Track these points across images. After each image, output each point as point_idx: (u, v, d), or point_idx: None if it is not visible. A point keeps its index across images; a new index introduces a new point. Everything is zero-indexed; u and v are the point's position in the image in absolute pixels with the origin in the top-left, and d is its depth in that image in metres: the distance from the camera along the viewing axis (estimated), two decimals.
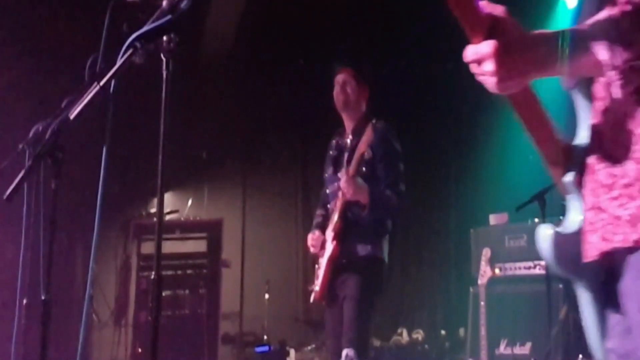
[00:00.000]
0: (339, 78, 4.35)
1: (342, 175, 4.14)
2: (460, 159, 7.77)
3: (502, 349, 5.45)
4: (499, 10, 1.44)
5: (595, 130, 1.54)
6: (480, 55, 1.43)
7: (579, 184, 1.58)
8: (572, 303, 5.05)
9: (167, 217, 7.08)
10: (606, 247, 1.50)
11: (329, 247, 4.19)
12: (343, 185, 4.06)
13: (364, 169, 4.11)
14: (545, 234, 1.66)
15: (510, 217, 5.81)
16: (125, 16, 2.32)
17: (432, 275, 7.82)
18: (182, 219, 7.32)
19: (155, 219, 2.16)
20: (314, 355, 6.71)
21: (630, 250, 1.45)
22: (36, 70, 6.11)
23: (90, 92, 2.33)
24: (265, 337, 7.46)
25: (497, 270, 5.32)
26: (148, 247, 6.60)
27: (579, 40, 1.40)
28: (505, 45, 1.41)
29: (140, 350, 6.30)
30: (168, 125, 2.11)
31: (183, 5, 2.10)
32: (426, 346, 6.95)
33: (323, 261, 4.23)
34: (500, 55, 1.40)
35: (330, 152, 4.49)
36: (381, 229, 4.22)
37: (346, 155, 4.33)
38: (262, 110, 7.98)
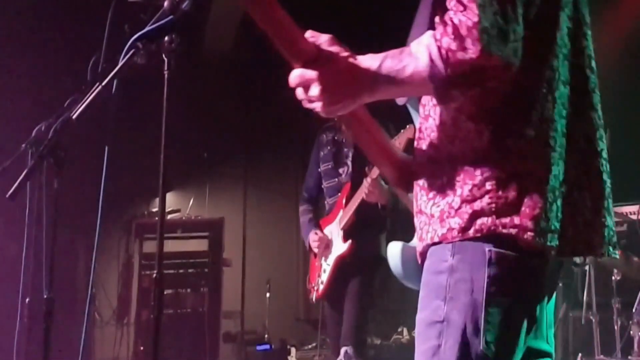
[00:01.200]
0: None
1: (368, 174, 4.02)
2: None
3: None
4: (324, 38, 1.47)
5: (422, 147, 1.58)
6: (306, 79, 1.44)
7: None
8: (572, 302, 5.06)
9: (169, 216, 7.09)
10: (420, 247, 1.57)
11: (341, 246, 4.18)
12: (369, 189, 4.01)
13: (348, 167, 4.20)
14: (393, 250, 1.71)
15: None
16: (127, 16, 2.33)
17: None
18: (184, 218, 7.32)
19: (157, 218, 2.17)
20: (315, 354, 6.70)
21: (438, 244, 1.51)
22: (38, 70, 6.11)
23: (93, 92, 2.34)
24: (266, 335, 7.46)
25: None
26: (150, 246, 6.61)
27: (405, 64, 1.41)
28: (331, 70, 1.43)
29: (142, 348, 6.30)
30: (169, 125, 2.12)
31: (184, 5, 2.11)
32: None
33: (330, 260, 4.23)
34: (325, 80, 1.42)
35: (328, 148, 4.40)
36: (383, 226, 4.25)
37: (347, 151, 4.30)
38: (264, 110, 7.99)
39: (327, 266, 4.28)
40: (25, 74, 6.07)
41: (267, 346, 7.24)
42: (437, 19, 1.45)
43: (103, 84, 2.29)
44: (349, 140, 4.27)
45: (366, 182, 4.03)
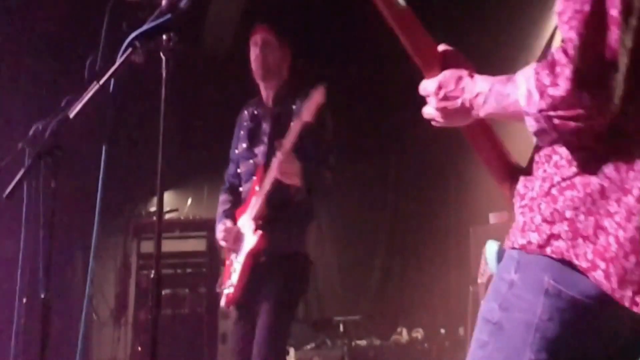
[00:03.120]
0: (257, 38, 3.70)
1: (280, 148, 3.46)
2: (460, 157, 7.76)
3: None
4: (450, 50, 1.62)
5: (530, 159, 1.65)
6: (427, 92, 1.61)
7: None
8: None
9: (167, 216, 7.08)
10: (507, 244, 1.62)
11: (251, 239, 3.54)
12: (279, 164, 3.42)
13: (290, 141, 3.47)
14: (491, 249, 1.74)
15: (510, 216, 5.80)
16: (124, 15, 2.32)
17: (432, 274, 7.81)
18: (182, 217, 7.31)
19: (154, 218, 2.16)
20: (314, 354, 6.70)
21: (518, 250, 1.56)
22: (36, 69, 6.10)
23: (90, 91, 2.33)
24: None
25: None
26: (148, 246, 6.60)
27: (511, 86, 1.50)
28: (449, 85, 1.58)
29: (140, 348, 6.29)
30: (167, 124, 2.11)
31: (182, 4, 2.10)
32: (426, 345, 6.94)
33: (240, 257, 3.58)
34: (442, 94, 1.58)
35: (245, 124, 3.87)
36: (307, 217, 3.66)
37: (265, 126, 3.73)
38: None
39: (237, 264, 3.60)
40: (23, 73, 6.06)
41: None
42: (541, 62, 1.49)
43: (101, 83, 2.28)
44: (268, 112, 3.75)
45: (277, 158, 3.45)
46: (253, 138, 3.78)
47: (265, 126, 3.73)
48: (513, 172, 1.71)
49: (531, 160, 1.63)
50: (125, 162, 6.41)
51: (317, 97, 3.38)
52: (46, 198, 2.70)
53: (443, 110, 1.61)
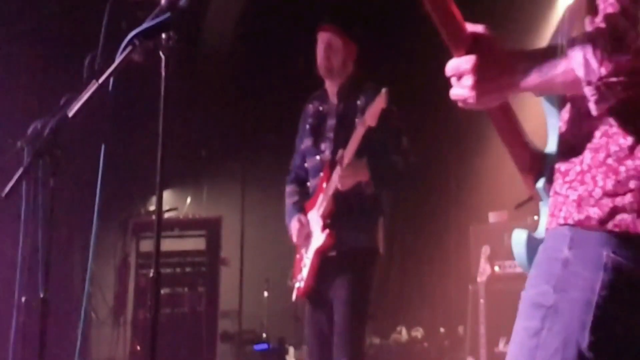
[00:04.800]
0: (323, 37, 3.78)
1: (339, 161, 3.52)
2: (460, 156, 7.77)
3: (502, 347, 5.44)
4: (480, 28, 1.53)
5: (563, 137, 1.62)
6: (460, 70, 1.51)
7: (549, 189, 1.63)
8: None
9: (166, 215, 7.08)
10: (550, 224, 1.58)
11: (319, 237, 3.63)
12: (340, 179, 3.50)
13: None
14: (519, 237, 1.71)
15: (509, 215, 5.80)
16: (124, 14, 2.32)
17: (432, 273, 7.82)
18: (181, 216, 7.31)
19: (154, 217, 2.16)
20: None
21: (572, 226, 1.51)
22: (35, 67, 6.10)
23: (89, 89, 2.33)
24: (264, 335, 7.45)
25: (496, 268, 5.31)
26: (147, 245, 6.60)
27: (557, 57, 1.46)
28: (485, 62, 1.50)
29: (139, 348, 6.29)
30: (167, 123, 2.10)
31: (182, 2, 2.10)
32: (425, 344, 6.94)
33: (310, 253, 3.69)
34: (479, 71, 1.49)
35: (309, 120, 3.89)
36: (376, 211, 3.71)
37: (330, 122, 3.78)
38: (262, 107, 7.98)
39: (307, 260, 3.70)
40: (22, 71, 6.05)
41: (265, 346, 7.24)
42: (588, 20, 1.47)
43: (100, 81, 2.27)
44: (333, 108, 3.80)
45: (337, 172, 3.53)
46: (318, 134, 3.81)
47: (331, 122, 3.77)
48: (537, 161, 1.69)
49: (567, 139, 1.59)
50: (124, 161, 6.41)
51: (380, 101, 3.40)
52: (45, 197, 2.69)
53: (479, 88, 1.50)
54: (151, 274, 2.03)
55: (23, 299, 3.02)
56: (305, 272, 3.69)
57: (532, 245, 1.68)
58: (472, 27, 1.53)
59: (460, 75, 1.52)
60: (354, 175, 3.53)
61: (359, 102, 3.67)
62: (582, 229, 1.49)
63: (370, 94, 3.54)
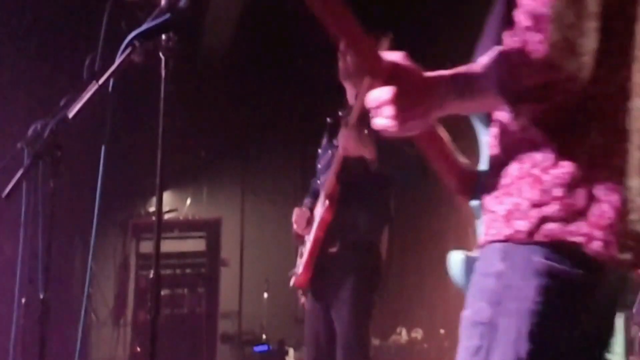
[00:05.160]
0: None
1: (344, 118, 3.37)
2: (465, 158, 7.76)
3: None
4: (398, 56, 1.54)
5: (493, 153, 1.61)
6: (380, 101, 1.51)
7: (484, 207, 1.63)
8: None
9: (166, 216, 7.08)
10: (484, 240, 1.57)
11: (320, 211, 3.46)
12: (342, 139, 3.33)
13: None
14: (456, 259, 1.73)
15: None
16: (123, 15, 2.32)
17: (432, 274, 7.81)
18: (181, 217, 7.31)
19: (154, 218, 2.16)
20: None
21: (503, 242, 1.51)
22: (35, 68, 6.10)
23: (89, 91, 2.33)
24: (264, 336, 7.45)
25: None
26: (147, 246, 6.60)
27: (475, 79, 1.48)
28: (403, 91, 1.50)
29: (139, 349, 6.29)
30: (167, 124, 2.10)
31: (182, 3, 2.10)
32: (425, 345, 6.94)
33: (308, 240, 3.53)
34: (398, 101, 1.49)
35: (326, 131, 3.76)
36: (383, 207, 3.56)
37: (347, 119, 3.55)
38: (262, 109, 7.98)
39: (305, 249, 3.54)
40: (22, 72, 6.05)
41: (265, 347, 7.23)
42: (506, 33, 1.47)
43: (100, 82, 2.27)
44: (349, 109, 3.59)
45: (341, 133, 3.34)
46: (333, 133, 3.64)
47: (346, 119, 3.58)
48: (470, 179, 1.69)
49: (496, 154, 1.59)
50: (124, 162, 6.41)
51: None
52: (45, 198, 2.69)
53: (400, 117, 1.50)
54: (151, 275, 2.03)
55: (23, 300, 3.02)
56: (302, 261, 3.55)
57: (471, 265, 1.67)
58: (389, 56, 1.53)
59: (381, 106, 1.51)
60: (359, 139, 3.30)
61: None
62: (513, 243, 1.48)
63: None
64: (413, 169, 3.41)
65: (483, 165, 1.69)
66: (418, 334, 7.05)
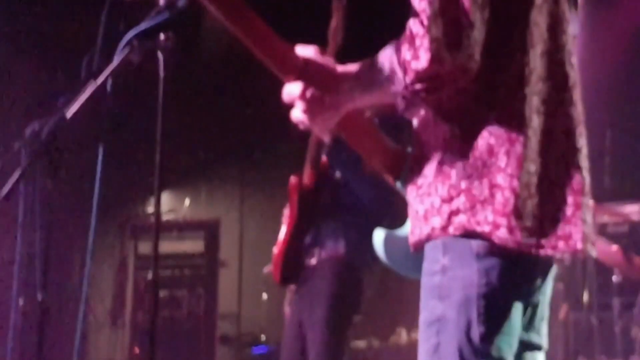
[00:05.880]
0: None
1: None
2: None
3: None
4: (309, 51, 1.61)
5: (415, 148, 1.66)
6: (292, 96, 1.59)
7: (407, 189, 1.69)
8: (572, 303, 5.04)
9: (165, 217, 7.06)
10: (412, 239, 1.63)
11: (305, 178, 3.35)
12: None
13: None
14: (378, 237, 1.81)
15: None
16: (122, 14, 2.30)
17: None
18: (180, 218, 7.29)
19: (152, 219, 2.15)
20: None
21: (422, 243, 1.59)
22: (32, 68, 6.08)
23: (87, 90, 2.31)
24: (263, 337, 7.44)
25: None
26: (145, 247, 6.59)
27: (377, 73, 1.51)
28: (311, 86, 1.56)
29: (137, 350, 6.28)
30: (165, 124, 2.09)
31: (180, 3, 2.09)
32: None
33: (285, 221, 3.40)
34: (307, 96, 1.56)
35: None
36: (365, 223, 3.11)
37: None
38: (261, 109, 7.96)
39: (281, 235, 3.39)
40: (19, 72, 6.04)
41: (264, 348, 7.22)
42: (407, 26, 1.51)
43: (98, 82, 2.26)
44: None
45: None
46: None
47: None
48: (397, 160, 1.72)
49: (418, 150, 1.63)
50: (122, 162, 6.40)
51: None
52: (43, 199, 2.68)
53: (310, 111, 1.58)
54: (150, 276, 2.02)
55: (21, 302, 3.00)
56: (281, 237, 3.40)
57: (390, 242, 1.79)
58: (302, 51, 1.60)
59: (293, 101, 1.59)
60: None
61: None
62: (430, 240, 1.55)
63: None
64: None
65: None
66: (418, 334, 7.04)
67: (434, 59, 1.42)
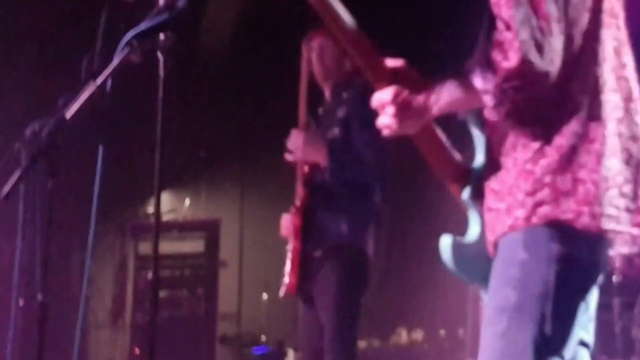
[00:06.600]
0: (314, 44, 3.58)
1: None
2: (460, 155, 7.76)
3: None
4: (399, 62, 1.83)
5: (489, 149, 1.86)
6: (383, 102, 1.77)
7: (475, 199, 1.89)
8: None
9: (165, 217, 7.06)
10: (492, 238, 1.79)
11: (298, 199, 3.46)
12: (290, 143, 3.38)
13: (336, 130, 3.37)
14: (445, 243, 1.90)
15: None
16: (121, 14, 2.31)
17: (432, 275, 7.80)
18: (180, 219, 7.29)
19: (152, 219, 2.15)
20: None
21: (507, 233, 1.74)
22: (32, 69, 6.08)
23: (87, 91, 2.31)
24: (263, 337, 7.43)
25: None
26: (145, 247, 6.58)
27: (459, 78, 1.72)
28: (403, 92, 1.75)
29: (137, 351, 6.27)
30: (165, 124, 2.09)
31: (180, 3, 2.09)
32: (425, 346, 6.93)
33: (289, 244, 3.51)
34: (398, 101, 1.75)
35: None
36: (363, 206, 3.44)
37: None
38: (261, 109, 7.96)
39: (289, 253, 3.51)
40: (19, 73, 6.04)
41: (265, 348, 7.22)
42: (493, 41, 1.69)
43: (98, 82, 2.26)
44: (326, 108, 3.65)
45: (291, 135, 3.39)
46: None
47: (323, 122, 3.61)
48: (462, 173, 1.93)
49: (493, 159, 1.81)
50: (122, 162, 6.40)
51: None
52: (43, 199, 2.68)
53: (399, 116, 1.75)
54: (150, 277, 2.02)
55: (21, 302, 3.00)
56: (288, 266, 3.48)
57: (458, 248, 1.88)
58: (391, 63, 1.82)
59: (383, 106, 1.77)
60: (308, 142, 3.35)
61: (344, 94, 3.50)
62: (514, 232, 1.70)
63: (358, 86, 3.39)
64: (371, 174, 3.42)
65: (477, 163, 1.92)
66: (418, 334, 7.04)
67: (523, 59, 1.59)
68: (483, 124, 1.90)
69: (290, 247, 3.50)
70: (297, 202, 3.48)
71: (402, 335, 7.04)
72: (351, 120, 3.39)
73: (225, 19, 7.31)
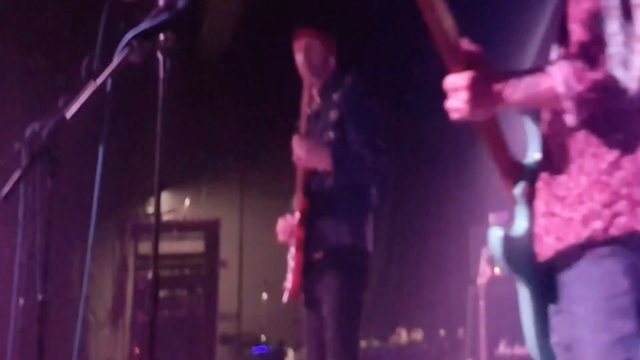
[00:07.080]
0: (300, 45, 3.64)
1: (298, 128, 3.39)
2: (460, 156, 7.76)
3: (502, 349, 5.43)
4: (475, 48, 1.82)
5: (547, 150, 1.88)
6: (457, 86, 1.76)
7: (526, 195, 1.91)
8: None
9: (165, 217, 7.06)
10: (561, 245, 1.79)
11: (297, 205, 3.49)
12: (294, 149, 3.41)
13: (330, 134, 3.39)
14: (495, 234, 1.93)
15: (510, 216, 5.79)
16: (122, 14, 2.30)
17: (431, 275, 7.81)
18: (180, 218, 7.29)
19: (152, 219, 2.15)
20: None
21: (582, 246, 1.75)
22: (32, 69, 6.08)
23: (87, 91, 2.31)
24: (263, 337, 7.44)
25: (496, 270, 5.30)
26: (145, 247, 6.57)
27: (540, 77, 1.72)
28: (478, 79, 1.74)
29: (137, 350, 6.27)
30: (165, 124, 2.09)
31: (180, 3, 2.09)
32: (425, 346, 6.94)
33: (292, 250, 3.53)
34: (473, 87, 1.73)
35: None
36: (360, 204, 3.51)
37: (314, 123, 3.58)
38: (261, 109, 7.97)
39: (290, 259, 3.54)
40: (19, 72, 6.03)
41: (264, 348, 7.22)
42: (556, 47, 1.78)
43: (98, 82, 2.26)
44: (315, 109, 3.66)
45: (294, 141, 3.42)
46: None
47: (314, 124, 3.61)
48: (515, 168, 1.94)
49: (557, 165, 1.82)
50: (122, 162, 6.40)
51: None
52: (43, 199, 2.68)
53: (472, 102, 1.73)
54: (150, 276, 2.02)
55: (21, 301, 3.00)
56: (290, 271, 3.52)
57: (507, 242, 1.91)
58: (468, 47, 1.80)
59: (457, 90, 1.75)
60: (310, 149, 3.37)
61: (335, 96, 3.49)
62: (592, 244, 1.72)
63: (347, 87, 3.44)
64: (371, 178, 3.46)
65: (529, 160, 1.94)
66: (418, 334, 7.04)
67: (610, 73, 1.65)
68: (540, 122, 1.93)
69: (292, 254, 3.52)
70: (298, 212, 3.48)
71: (402, 335, 7.04)
72: (345, 122, 3.41)
73: (225, 19, 7.31)
